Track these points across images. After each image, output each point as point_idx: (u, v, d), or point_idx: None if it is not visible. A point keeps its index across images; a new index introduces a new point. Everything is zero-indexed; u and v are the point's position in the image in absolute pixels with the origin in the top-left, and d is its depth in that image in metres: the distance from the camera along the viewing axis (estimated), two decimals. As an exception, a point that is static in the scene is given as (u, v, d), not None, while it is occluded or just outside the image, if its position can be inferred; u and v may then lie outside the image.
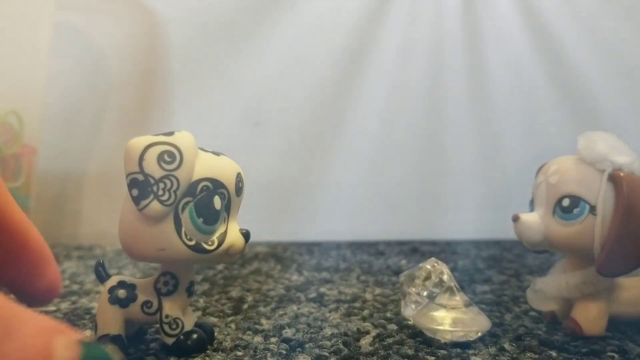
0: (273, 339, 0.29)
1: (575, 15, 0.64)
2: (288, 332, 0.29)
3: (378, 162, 0.63)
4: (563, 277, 0.30)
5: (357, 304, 0.35)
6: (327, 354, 0.26)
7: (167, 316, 0.26)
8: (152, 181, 0.23)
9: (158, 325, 0.26)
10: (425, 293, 0.30)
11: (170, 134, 0.24)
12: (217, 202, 0.24)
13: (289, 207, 0.60)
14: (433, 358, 0.26)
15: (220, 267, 0.45)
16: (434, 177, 0.64)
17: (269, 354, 0.26)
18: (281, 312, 0.34)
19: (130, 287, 0.26)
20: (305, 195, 0.61)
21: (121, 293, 0.26)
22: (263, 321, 0.32)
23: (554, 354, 0.27)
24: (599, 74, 0.64)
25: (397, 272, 0.41)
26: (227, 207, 0.25)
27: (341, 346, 0.27)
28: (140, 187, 0.23)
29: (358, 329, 0.30)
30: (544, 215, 0.29)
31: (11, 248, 0.23)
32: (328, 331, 0.30)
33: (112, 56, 0.59)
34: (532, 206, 0.31)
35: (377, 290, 0.39)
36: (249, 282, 0.41)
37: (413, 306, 0.30)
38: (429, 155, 0.64)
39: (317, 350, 0.27)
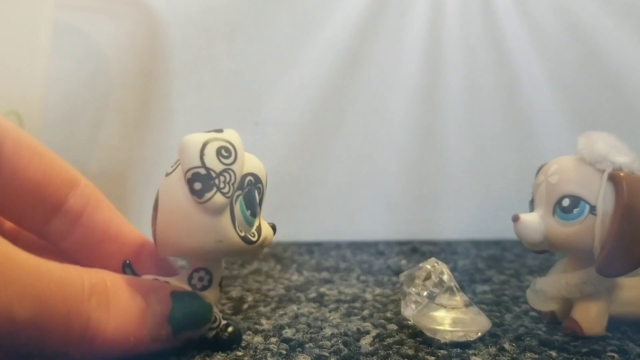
0: (273, 339, 0.29)
1: (573, 15, 0.64)
2: (288, 332, 0.29)
3: (378, 162, 0.63)
4: (563, 277, 0.30)
5: (357, 304, 0.35)
6: (327, 354, 0.26)
7: None
8: (213, 175, 0.24)
9: None
10: (425, 293, 0.30)
11: (220, 131, 0.25)
12: (256, 195, 0.26)
13: (289, 207, 0.60)
14: (433, 358, 0.26)
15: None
16: (434, 177, 0.64)
17: (269, 354, 0.26)
18: (281, 312, 0.34)
19: None
20: (305, 195, 0.61)
21: (140, 282, 0.25)
22: (263, 321, 0.32)
23: (554, 354, 0.27)
24: (599, 74, 0.64)
25: (397, 272, 0.41)
26: (261, 202, 0.26)
27: (341, 346, 0.27)
28: (203, 180, 0.23)
29: (358, 329, 0.30)
30: (544, 215, 0.29)
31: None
32: (328, 331, 0.30)
33: (113, 56, 0.59)
34: (532, 206, 0.31)
35: (377, 290, 0.39)
36: (249, 282, 0.41)
37: (413, 306, 0.30)
38: (429, 155, 0.64)
39: (317, 350, 0.27)
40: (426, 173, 0.64)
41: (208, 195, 0.23)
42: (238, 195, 0.25)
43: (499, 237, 0.59)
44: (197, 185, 0.24)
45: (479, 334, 0.28)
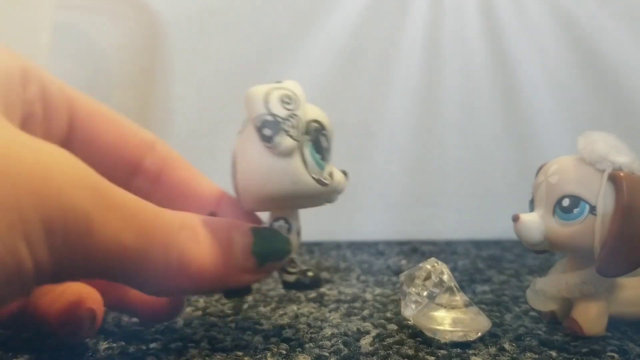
0: (273, 339, 0.29)
1: (573, 15, 0.64)
2: (288, 332, 0.29)
3: (378, 162, 0.63)
4: (563, 277, 0.30)
5: (357, 304, 0.35)
6: (327, 354, 0.26)
7: None
8: (280, 120, 0.25)
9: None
10: (425, 293, 0.30)
11: (280, 82, 0.26)
12: (324, 141, 0.27)
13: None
14: (433, 358, 0.26)
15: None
16: (434, 177, 0.64)
17: (269, 354, 0.26)
18: (281, 312, 0.34)
19: None
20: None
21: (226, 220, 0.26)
22: (263, 321, 0.32)
23: (554, 354, 0.27)
24: (599, 74, 0.64)
25: (397, 272, 0.41)
26: (328, 148, 0.27)
27: (341, 346, 0.27)
28: (270, 126, 0.25)
29: (358, 329, 0.30)
30: (544, 215, 0.29)
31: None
32: (328, 331, 0.30)
33: (113, 56, 0.59)
34: (532, 206, 0.31)
35: (377, 290, 0.39)
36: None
37: (413, 306, 0.30)
38: (429, 155, 0.64)
39: (317, 350, 0.27)
40: (426, 173, 0.64)
41: (277, 139, 0.25)
42: (306, 140, 0.26)
43: (499, 237, 0.59)
44: (267, 132, 0.25)
45: (479, 334, 0.28)
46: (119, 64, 0.59)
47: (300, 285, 0.28)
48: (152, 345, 0.28)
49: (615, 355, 0.27)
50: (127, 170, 0.28)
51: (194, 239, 0.24)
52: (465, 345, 0.28)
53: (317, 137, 0.26)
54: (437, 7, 0.64)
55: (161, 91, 0.60)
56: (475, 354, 0.27)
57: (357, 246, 0.57)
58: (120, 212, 0.21)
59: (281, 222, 0.27)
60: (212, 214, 0.27)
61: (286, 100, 0.25)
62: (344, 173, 0.28)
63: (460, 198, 0.64)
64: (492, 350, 0.27)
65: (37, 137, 0.20)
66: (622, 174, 0.28)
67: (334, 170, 0.27)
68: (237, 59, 0.61)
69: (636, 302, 0.31)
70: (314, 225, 0.61)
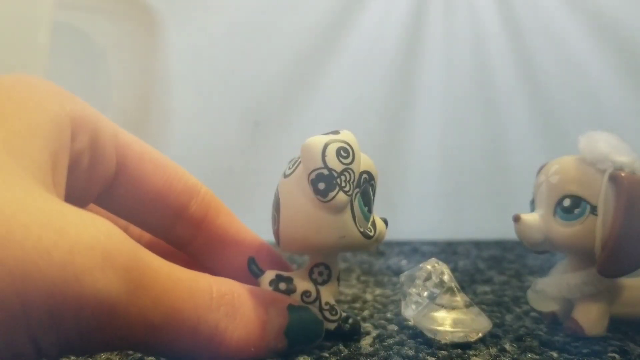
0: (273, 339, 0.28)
1: (577, 16, 0.64)
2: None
3: (378, 162, 0.63)
4: (564, 278, 0.30)
5: (357, 305, 0.35)
6: (327, 355, 0.26)
7: (326, 303, 0.27)
8: (335, 174, 0.25)
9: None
10: (425, 293, 0.30)
11: (337, 132, 0.26)
12: (371, 191, 0.27)
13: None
14: (433, 359, 0.26)
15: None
16: (434, 176, 0.64)
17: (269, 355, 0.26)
18: (281, 313, 0.34)
19: (288, 280, 0.27)
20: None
21: (282, 286, 0.27)
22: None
23: (554, 354, 0.27)
24: (599, 74, 0.64)
25: (397, 273, 0.41)
26: (373, 197, 0.28)
27: (341, 347, 0.27)
28: (326, 180, 0.25)
29: (358, 329, 0.30)
30: (545, 216, 0.29)
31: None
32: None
33: (112, 56, 0.59)
34: (533, 206, 0.31)
35: (378, 291, 0.39)
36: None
37: (413, 307, 0.30)
38: (429, 155, 0.64)
39: (317, 351, 0.27)
40: (426, 173, 0.64)
41: (331, 194, 0.25)
42: (356, 193, 0.26)
43: (499, 237, 0.58)
44: (321, 185, 0.25)
45: (480, 335, 0.28)
46: (118, 63, 0.59)
47: (341, 334, 0.28)
48: (152, 345, 0.28)
49: (616, 356, 0.27)
50: (171, 216, 0.28)
51: (231, 315, 0.23)
52: (465, 346, 0.28)
53: (366, 188, 0.26)
54: (450, 11, 0.64)
55: (160, 91, 0.60)
56: (475, 355, 0.27)
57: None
58: (152, 291, 0.20)
59: (321, 268, 0.27)
60: (252, 260, 0.28)
61: (343, 154, 0.25)
62: (385, 221, 0.28)
63: (460, 198, 0.64)
64: (493, 350, 0.27)
65: (74, 207, 0.19)
66: (623, 174, 0.28)
67: (376, 219, 0.28)
68: (237, 59, 0.61)
69: (637, 303, 0.31)
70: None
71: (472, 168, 0.64)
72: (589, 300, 0.29)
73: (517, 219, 0.30)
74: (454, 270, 0.37)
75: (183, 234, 0.28)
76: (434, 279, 0.30)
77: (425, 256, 0.50)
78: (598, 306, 0.30)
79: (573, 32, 0.64)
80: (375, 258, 0.52)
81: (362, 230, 0.26)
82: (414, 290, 0.30)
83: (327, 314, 0.27)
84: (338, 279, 0.28)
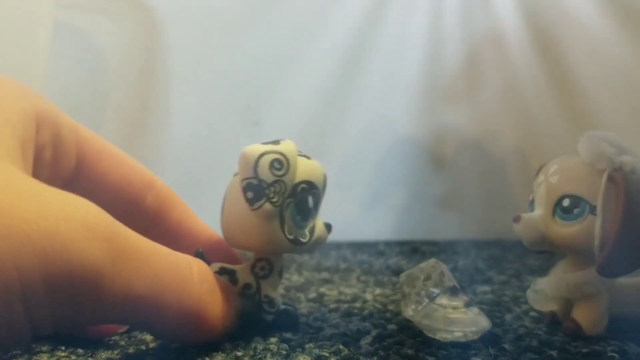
0: (273, 339, 0.28)
1: (575, 12, 0.64)
2: (288, 332, 0.29)
3: (378, 162, 0.63)
4: (564, 278, 0.30)
5: (357, 304, 0.35)
6: (327, 354, 0.26)
7: (265, 296, 0.29)
8: (264, 185, 0.26)
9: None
10: (425, 293, 0.30)
11: (277, 142, 0.27)
12: (311, 201, 0.28)
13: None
14: (433, 358, 0.26)
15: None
16: (434, 177, 0.64)
17: (268, 354, 0.26)
18: (281, 312, 0.34)
19: (231, 272, 0.29)
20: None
21: (225, 278, 0.28)
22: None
23: (554, 354, 0.27)
24: (600, 74, 0.64)
25: (397, 273, 0.41)
26: (316, 205, 0.29)
27: (341, 346, 0.27)
28: (255, 190, 0.26)
29: (358, 329, 0.30)
30: (545, 216, 0.29)
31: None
32: (328, 331, 0.30)
33: (112, 56, 0.59)
34: (532, 206, 0.31)
35: (377, 291, 0.39)
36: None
37: (413, 306, 0.30)
38: (428, 156, 0.64)
39: (317, 351, 0.27)
40: (426, 173, 0.64)
41: (258, 204, 0.26)
42: (289, 203, 0.27)
43: (499, 237, 0.59)
44: (249, 194, 0.26)
45: (479, 334, 0.28)
46: (118, 63, 0.59)
47: (276, 324, 0.29)
48: (152, 345, 0.28)
49: (616, 356, 0.27)
50: (129, 210, 0.29)
51: (212, 292, 0.25)
52: (465, 345, 0.28)
53: (303, 198, 0.27)
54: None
55: (161, 91, 0.60)
56: (475, 354, 0.27)
57: (357, 246, 0.57)
58: (134, 260, 0.21)
59: (263, 263, 0.29)
60: (199, 253, 0.28)
61: (276, 166, 0.26)
62: (327, 226, 0.30)
63: (460, 198, 0.64)
64: (493, 350, 0.27)
65: (51, 187, 0.20)
66: (622, 174, 0.28)
67: (316, 225, 0.29)
68: (237, 59, 0.61)
69: (637, 303, 0.31)
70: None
71: (472, 168, 0.64)
72: (589, 300, 0.30)
73: (517, 219, 0.30)
74: (453, 270, 0.37)
75: (139, 227, 0.28)
76: (434, 278, 0.30)
77: (425, 256, 0.50)
78: (597, 306, 0.30)
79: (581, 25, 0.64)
80: (375, 258, 0.52)
81: (291, 237, 0.27)
82: (413, 290, 0.30)
83: (265, 306, 0.29)
84: (280, 274, 0.30)
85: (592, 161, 0.28)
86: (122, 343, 0.28)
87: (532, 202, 0.31)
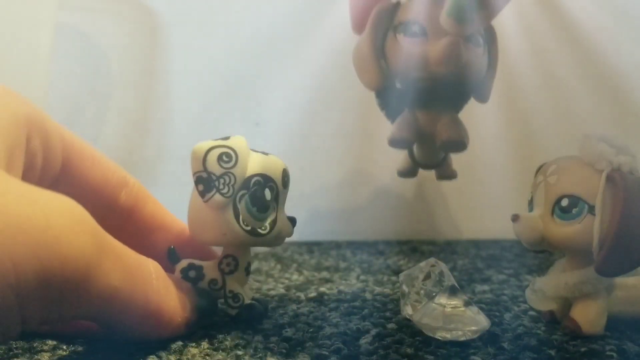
0: (273, 338, 0.29)
1: (571, 14, 0.64)
2: (288, 332, 0.30)
3: (378, 162, 0.63)
4: (562, 277, 0.30)
5: (357, 304, 0.36)
6: (327, 353, 0.27)
7: (230, 292, 0.30)
8: (214, 177, 0.28)
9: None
10: (424, 292, 0.30)
11: (227, 138, 0.29)
12: (268, 193, 0.30)
13: (289, 207, 0.60)
14: (432, 357, 0.26)
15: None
16: (433, 176, 0.64)
17: (269, 353, 0.27)
18: (281, 312, 0.34)
19: (198, 268, 0.30)
20: (305, 195, 0.61)
21: (192, 273, 0.30)
22: (263, 320, 0.32)
23: (552, 353, 0.27)
24: (598, 74, 0.64)
25: (397, 272, 0.41)
26: (276, 198, 0.30)
27: (341, 345, 0.27)
28: (204, 183, 0.28)
29: (358, 328, 0.30)
30: (543, 215, 0.29)
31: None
32: (328, 330, 0.30)
33: (113, 56, 0.59)
34: (531, 206, 0.31)
35: (377, 290, 0.39)
36: (249, 282, 0.41)
37: (412, 305, 0.30)
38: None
39: (317, 350, 0.27)
40: (426, 173, 0.64)
41: (208, 195, 0.28)
42: (243, 194, 0.29)
43: (498, 236, 0.59)
44: (200, 187, 0.28)
45: (478, 334, 0.28)
46: (119, 64, 0.59)
47: (241, 318, 0.31)
48: (153, 344, 0.28)
49: (614, 355, 0.27)
50: (106, 207, 0.30)
51: (166, 288, 0.26)
52: (464, 344, 0.28)
53: (258, 191, 0.29)
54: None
55: (161, 91, 0.60)
56: (474, 353, 0.27)
57: (356, 246, 0.57)
58: (111, 254, 0.22)
59: (229, 259, 0.30)
60: (171, 250, 0.31)
61: (225, 159, 0.28)
62: (292, 220, 0.31)
63: (460, 198, 0.64)
64: (491, 349, 0.27)
65: (34, 186, 0.21)
66: (621, 174, 0.28)
67: (279, 218, 0.30)
68: (237, 59, 0.61)
69: (635, 302, 0.31)
70: (314, 225, 0.61)
71: (472, 168, 0.64)
72: (587, 299, 0.30)
73: (515, 218, 0.30)
74: (452, 269, 0.37)
75: (114, 224, 0.30)
76: (433, 278, 0.30)
77: (425, 256, 0.50)
78: (596, 305, 0.30)
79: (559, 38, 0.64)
80: (375, 257, 0.52)
81: (248, 228, 0.29)
82: (413, 289, 0.30)
83: (230, 301, 0.31)
84: (247, 270, 0.31)
85: (590, 161, 0.29)
86: (123, 342, 0.28)
87: (531, 202, 0.31)
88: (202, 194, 0.28)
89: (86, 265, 0.20)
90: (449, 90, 0.34)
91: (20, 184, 0.21)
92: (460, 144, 0.36)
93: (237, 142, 0.29)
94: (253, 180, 0.29)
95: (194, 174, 0.28)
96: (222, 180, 0.28)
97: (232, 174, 0.28)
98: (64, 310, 0.21)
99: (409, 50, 0.34)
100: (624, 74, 0.64)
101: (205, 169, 0.28)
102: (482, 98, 0.37)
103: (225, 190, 0.28)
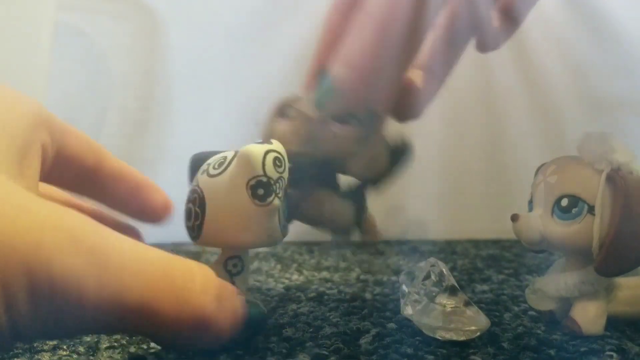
0: (273, 338, 0.29)
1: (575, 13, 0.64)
2: (288, 331, 0.30)
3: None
4: (562, 277, 0.30)
5: (357, 303, 0.36)
6: (326, 353, 0.27)
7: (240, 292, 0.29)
8: (272, 182, 0.28)
9: None
10: (424, 292, 0.30)
11: (271, 142, 0.28)
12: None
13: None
14: (432, 357, 0.26)
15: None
16: (433, 176, 0.64)
17: (269, 353, 0.27)
18: (281, 311, 0.34)
19: None
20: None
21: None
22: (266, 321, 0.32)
23: (552, 353, 0.27)
24: (598, 74, 0.64)
25: (397, 272, 0.41)
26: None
27: (341, 345, 0.27)
28: (265, 187, 0.27)
29: (358, 328, 0.30)
30: (543, 215, 0.29)
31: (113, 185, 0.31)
32: (328, 330, 0.30)
33: (113, 57, 0.59)
34: (531, 206, 0.31)
35: (377, 290, 0.39)
36: (249, 282, 0.41)
37: (412, 305, 0.30)
38: (428, 155, 0.65)
39: (317, 349, 0.27)
40: (425, 173, 0.64)
41: (269, 199, 0.28)
42: (283, 198, 0.29)
43: (498, 236, 0.59)
44: (260, 191, 0.28)
45: (478, 333, 0.28)
46: (119, 64, 0.59)
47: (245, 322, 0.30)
48: (153, 345, 0.28)
49: (614, 355, 0.27)
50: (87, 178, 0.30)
51: (218, 299, 0.23)
52: (464, 344, 0.28)
53: (286, 193, 0.30)
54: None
55: (162, 91, 0.60)
56: (474, 353, 0.27)
57: (357, 246, 0.57)
58: (122, 271, 0.20)
59: (235, 260, 0.30)
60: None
61: (278, 164, 0.28)
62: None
63: (460, 198, 0.64)
64: (491, 349, 0.27)
65: (38, 197, 0.20)
66: (620, 174, 0.28)
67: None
68: (237, 59, 0.61)
69: (635, 302, 0.31)
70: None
71: (472, 168, 0.64)
72: (587, 299, 0.30)
73: (515, 218, 0.30)
74: (452, 269, 0.38)
75: (108, 188, 0.31)
76: (433, 277, 0.30)
77: (425, 255, 0.51)
78: (596, 305, 0.30)
79: (572, 32, 0.64)
80: (375, 257, 0.52)
81: (284, 230, 0.30)
82: (413, 289, 0.30)
83: None
84: (248, 271, 0.31)
85: (590, 161, 0.29)
86: (124, 342, 0.28)
87: (530, 202, 0.31)
88: (262, 199, 0.27)
89: (79, 286, 0.19)
90: (317, 168, 0.34)
91: (20, 193, 0.20)
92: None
93: (281, 147, 0.29)
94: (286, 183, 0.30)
95: (253, 177, 0.27)
96: (277, 185, 0.28)
97: (283, 178, 0.28)
98: (62, 328, 0.20)
99: (277, 129, 0.36)
100: (624, 74, 0.64)
101: (265, 174, 0.27)
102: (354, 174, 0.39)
103: (280, 195, 0.28)
